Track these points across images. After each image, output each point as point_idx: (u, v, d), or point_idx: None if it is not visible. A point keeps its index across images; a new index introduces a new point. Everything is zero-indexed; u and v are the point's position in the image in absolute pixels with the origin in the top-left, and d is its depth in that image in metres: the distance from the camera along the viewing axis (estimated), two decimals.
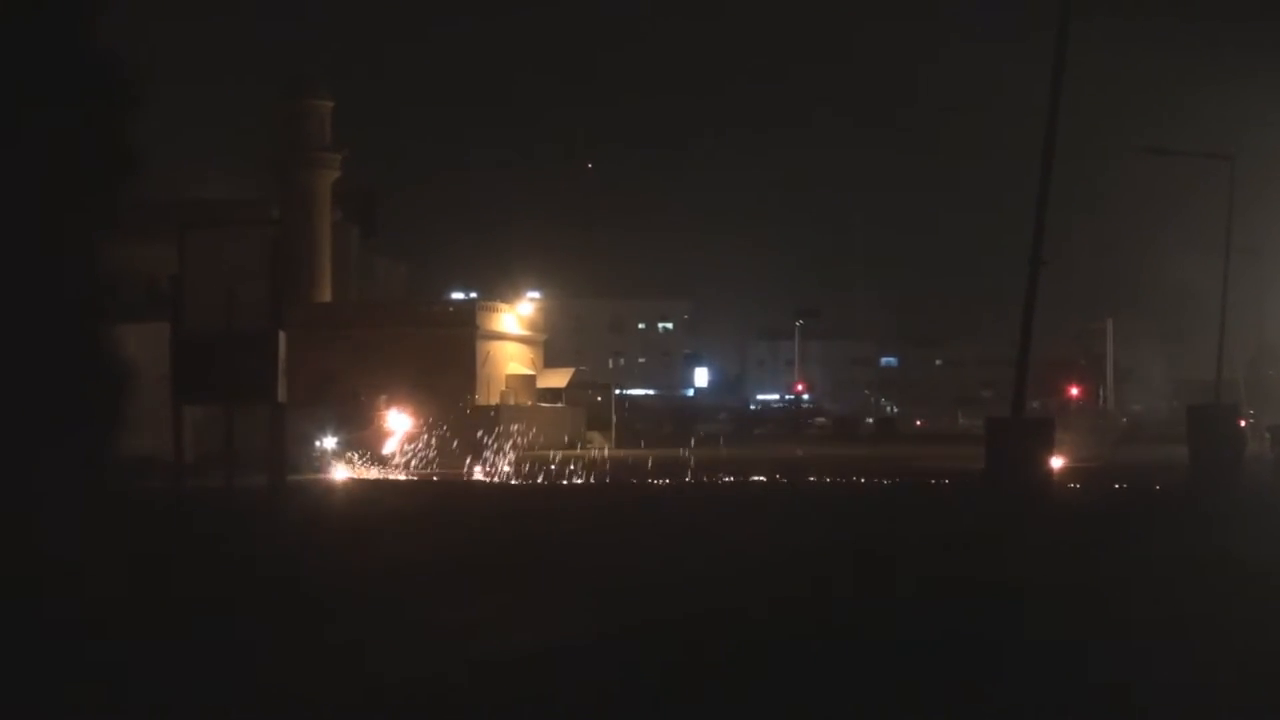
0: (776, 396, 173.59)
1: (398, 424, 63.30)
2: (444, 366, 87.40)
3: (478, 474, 56.37)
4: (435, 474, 57.19)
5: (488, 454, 59.17)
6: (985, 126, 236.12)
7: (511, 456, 59.08)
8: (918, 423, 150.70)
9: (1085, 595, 20.10)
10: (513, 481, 51.40)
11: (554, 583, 21.39)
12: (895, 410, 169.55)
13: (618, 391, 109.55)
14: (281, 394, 47.40)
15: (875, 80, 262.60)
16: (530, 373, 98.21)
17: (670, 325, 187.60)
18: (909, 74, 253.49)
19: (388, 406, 63.60)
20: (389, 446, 61.60)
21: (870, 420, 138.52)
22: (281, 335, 47.55)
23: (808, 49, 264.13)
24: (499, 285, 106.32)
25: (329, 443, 58.37)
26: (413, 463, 60.28)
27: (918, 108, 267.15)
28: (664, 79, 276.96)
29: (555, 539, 29.27)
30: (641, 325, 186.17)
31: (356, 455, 58.36)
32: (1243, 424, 65.64)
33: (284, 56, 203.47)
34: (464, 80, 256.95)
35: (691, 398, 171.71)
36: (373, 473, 56.48)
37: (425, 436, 64.72)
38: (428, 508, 40.24)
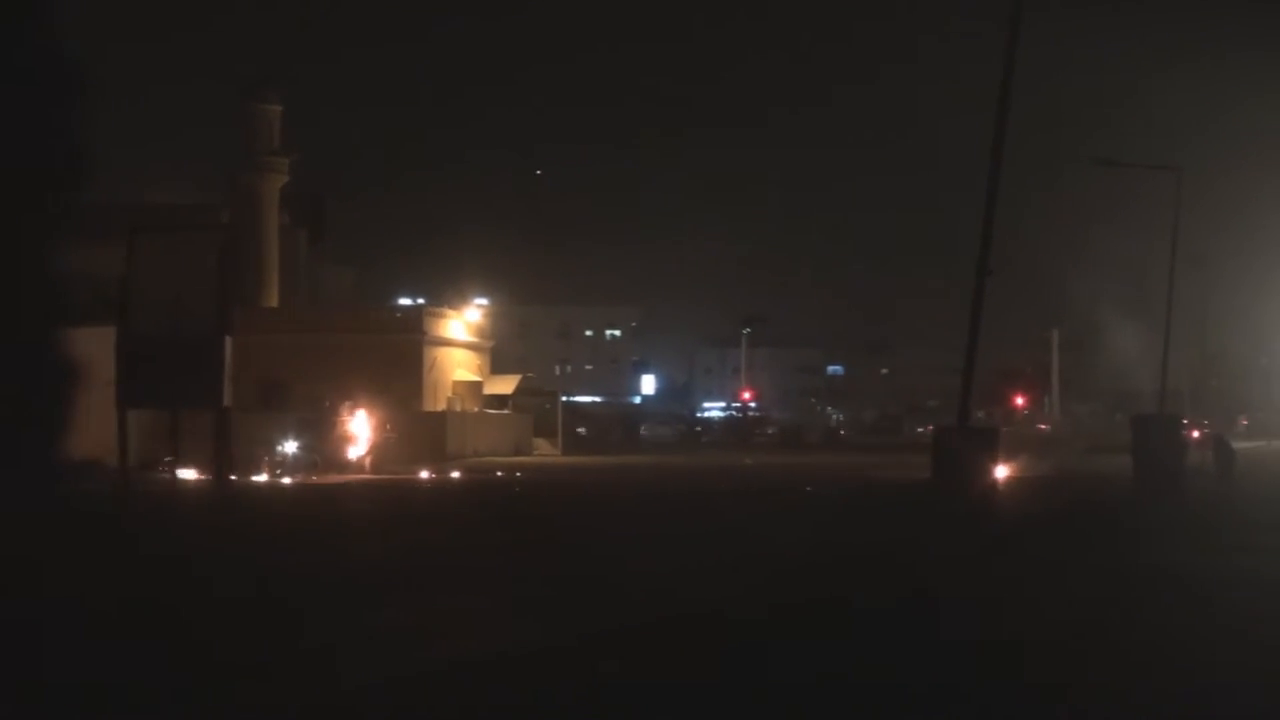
0: (723, 404, 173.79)
1: (361, 430, 63.68)
2: (391, 372, 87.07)
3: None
4: (382, 477, 57.99)
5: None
6: (937, 134, 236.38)
7: None
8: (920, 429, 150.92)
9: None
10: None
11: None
12: (841, 418, 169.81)
13: (565, 398, 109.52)
14: (227, 398, 47.52)
15: (828, 88, 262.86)
16: (477, 379, 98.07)
17: (618, 332, 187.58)
18: (864, 81, 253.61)
19: (352, 412, 64.15)
20: (355, 451, 62.25)
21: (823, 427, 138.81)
22: (228, 340, 47.70)
23: (760, 52, 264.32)
24: (446, 291, 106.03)
25: (290, 447, 59.33)
26: (374, 466, 61.46)
27: (871, 116, 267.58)
28: (613, 85, 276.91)
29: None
30: (589, 332, 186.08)
31: (319, 460, 59.35)
32: (1196, 434, 66.02)
33: (233, 61, 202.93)
34: (412, 86, 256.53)
35: (639, 405, 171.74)
36: (330, 478, 57.04)
37: (389, 441, 66.16)
38: (358, 512, 40.27)
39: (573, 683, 14.70)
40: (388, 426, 68.21)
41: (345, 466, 60.55)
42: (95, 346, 44.92)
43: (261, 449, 58.34)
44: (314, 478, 56.94)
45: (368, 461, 62.17)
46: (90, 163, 16.01)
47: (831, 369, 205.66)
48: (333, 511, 41.00)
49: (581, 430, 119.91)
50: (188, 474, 51.23)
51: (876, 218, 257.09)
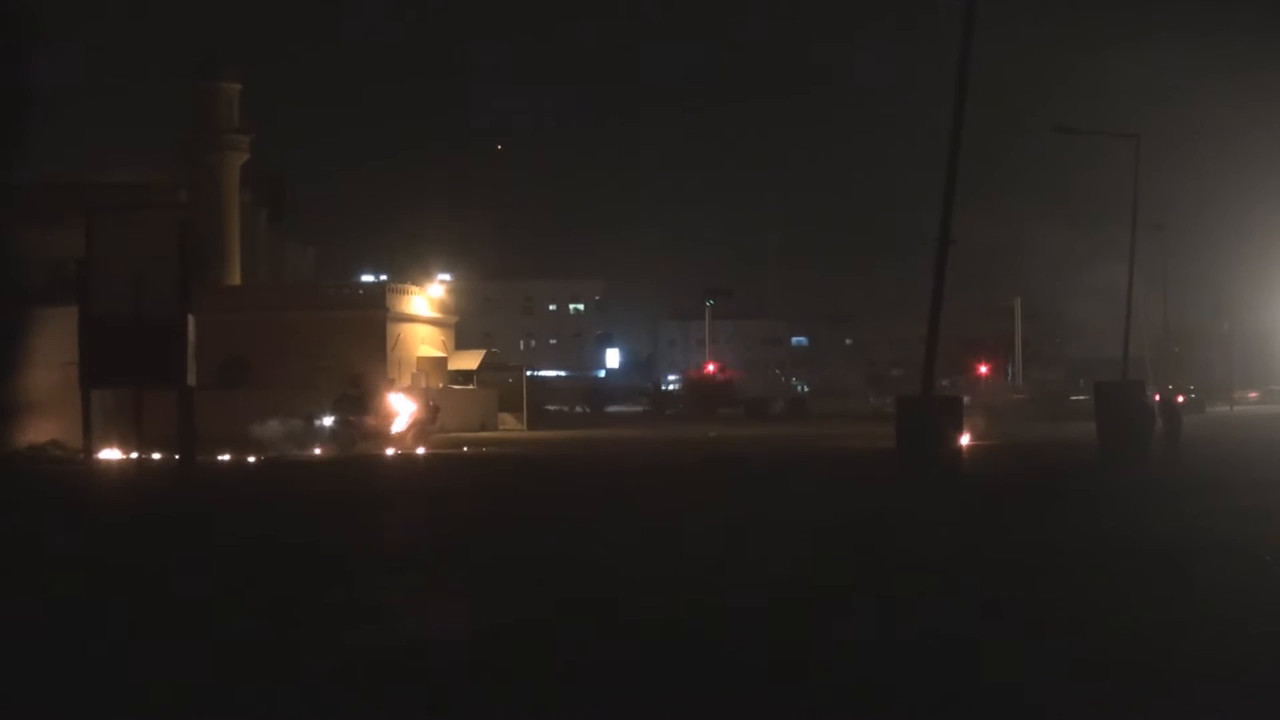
0: None
1: (403, 406, 65.16)
2: (354, 349, 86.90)
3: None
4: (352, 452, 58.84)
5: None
6: (899, 104, 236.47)
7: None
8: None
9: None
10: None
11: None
12: (805, 390, 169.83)
13: (529, 373, 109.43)
14: (191, 378, 47.37)
15: (788, 58, 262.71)
16: (441, 355, 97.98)
17: (582, 306, 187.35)
18: (824, 51, 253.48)
19: (391, 389, 66.27)
20: (397, 426, 63.63)
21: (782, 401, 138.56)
22: (190, 319, 47.52)
23: (724, 24, 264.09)
24: (409, 267, 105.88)
25: (327, 421, 62.11)
26: (416, 440, 62.97)
27: (831, 86, 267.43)
28: (576, 60, 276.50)
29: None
30: (553, 306, 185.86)
31: (356, 434, 61.64)
32: (1181, 400, 66.17)
33: (193, 37, 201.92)
34: (374, 62, 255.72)
35: (603, 378, 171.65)
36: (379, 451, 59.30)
37: (435, 415, 68.39)
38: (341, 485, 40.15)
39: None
40: (431, 402, 69.89)
41: (387, 441, 61.65)
42: (57, 328, 44.83)
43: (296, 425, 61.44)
44: (354, 451, 59.07)
45: (409, 436, 63.12)
46: (42, 102, 15.73)
47: (796, 340, 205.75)
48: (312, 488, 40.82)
49: (556, 407, 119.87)
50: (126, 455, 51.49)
51: (838, 189, 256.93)
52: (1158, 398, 58.84)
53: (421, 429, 65.18)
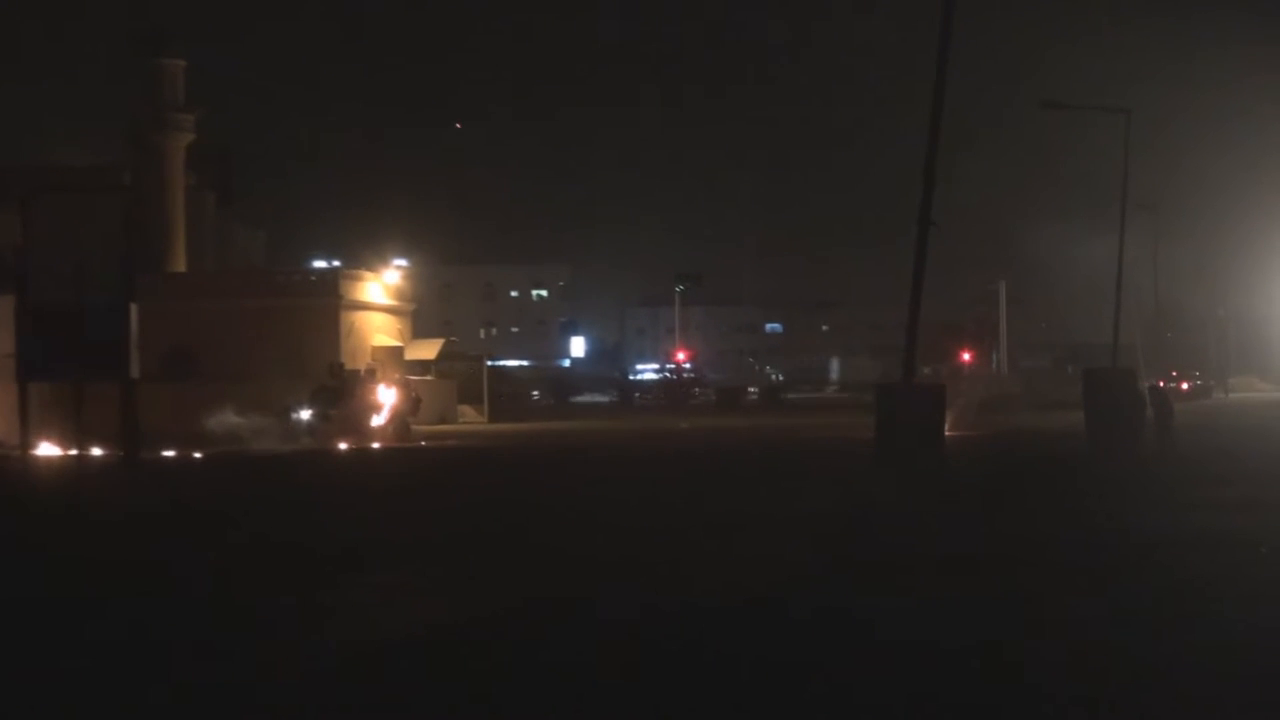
0: (656, 366, 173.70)
1: (384, 398, 64.91)
2: (306, 339, 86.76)
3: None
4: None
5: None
6: (878, 83, 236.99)
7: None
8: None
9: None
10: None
11: None
12: (781, 378, 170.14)
13: (491, 363, 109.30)
14: (134, 369, 47.21)
15: (763, 37, 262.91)
16: (398, 344, 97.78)
17: (545, 292, 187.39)
18: (798, 29, 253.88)
19: (374, 380, 65.86)
20: (377, 419, 63.64)
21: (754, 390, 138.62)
22: (133, 308, 47.37)
23: (692, 7, 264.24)
24: (364, 253, 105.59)
25: (304, 415, 62.27)
26: (398, 434, 63.37)
27: (807, 64, 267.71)
28: (539, 41, 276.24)
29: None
30: (514, 293, 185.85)
31: (333, 428, 61.54)
32: (1185, 387, 66.33)
33: (138, 11, 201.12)
34: (326, 40, 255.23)
35: (568, 368, 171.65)
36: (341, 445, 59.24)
37: (416, 407, 69.00)
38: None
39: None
40: (413, 393, 69.84)
41: (368, 435, 61.73)
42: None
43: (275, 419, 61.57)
44: (337, 445, 58.90)
45: (390, 429, 63.04)
46: None
47: (770, 327, 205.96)
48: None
49: (536, 394, 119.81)
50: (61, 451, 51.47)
51: (816, 167, 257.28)
52: (1162, 384, 59.08)
53: (403, 422, 65.01)
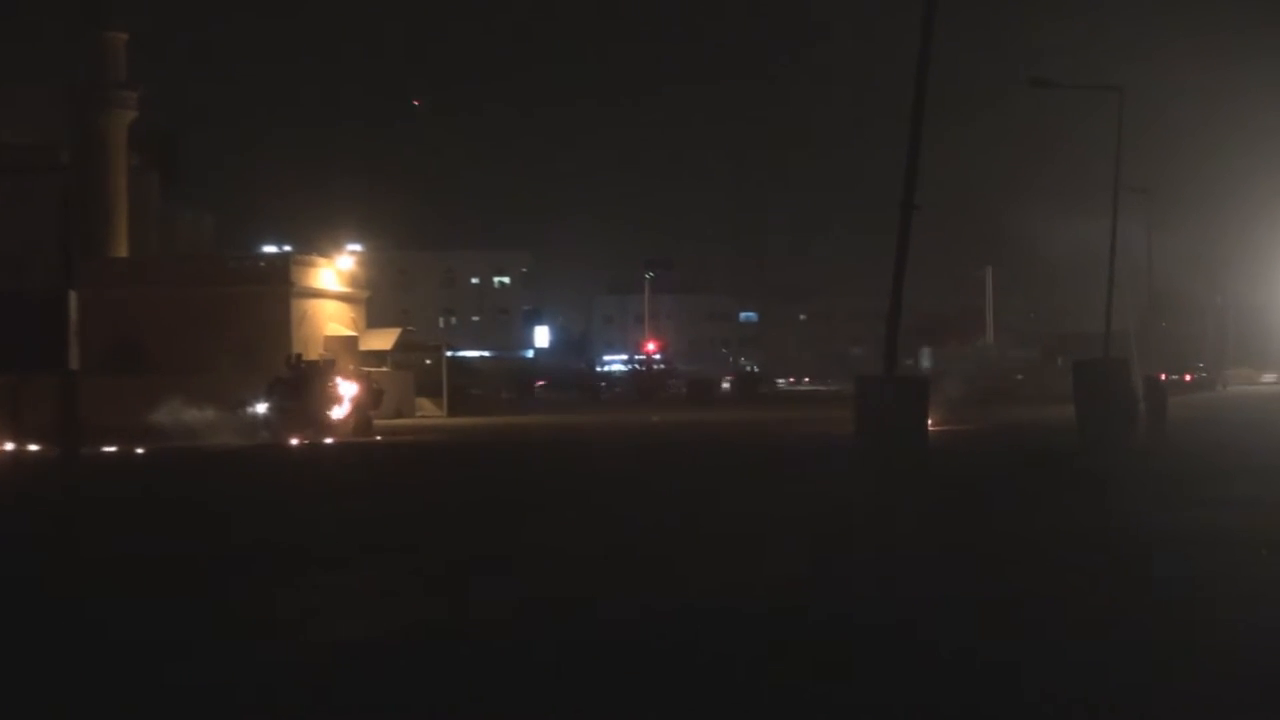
0: (625, 357, 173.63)
1: (344, 390, 65.02)
2: (256, 328, 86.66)
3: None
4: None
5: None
6: (863, 54, 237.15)
7: None
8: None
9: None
10: None
11: None
12: (756, 369, 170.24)
13: (450, 353, 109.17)
14: (73, 361, 47.03)
15: (738, 19, 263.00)
16: (352, 334, 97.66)
17: (507, 279, 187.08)
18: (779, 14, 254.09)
19: (334, 371, 65.71)
20: (337, 413, 63.71)
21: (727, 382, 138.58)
22: (73, 296, 47.20)
23: None
24: (316, 237, 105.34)
25: (259, 408, 62.37)
26: (359, 428, 63.81)
27: (787, 45, 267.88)
28: (504, 18, 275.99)
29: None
30: (475, 280, 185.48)
31: (291, 421, 61.44)
32: (1189, 378, 66.19)
33: None
34: (277, 13, 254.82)
35: (532, 359, 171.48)
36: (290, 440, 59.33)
37: (377, 398, 68.46)
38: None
39: None
40: (375, 384, 69.59)
41: (327, 429, 61.78)
42: None
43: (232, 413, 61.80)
44: (295, 440, 59.01)
45: (351, 423, 62.94)
46: None
47: (744, 316, 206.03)
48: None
49: (480, 391, 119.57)
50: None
51: (794, 147, 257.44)
52: (1163, 377, 59.18)
53: (364, 415, 64.95)
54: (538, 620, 17.25)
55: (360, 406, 64.76)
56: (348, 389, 64.88)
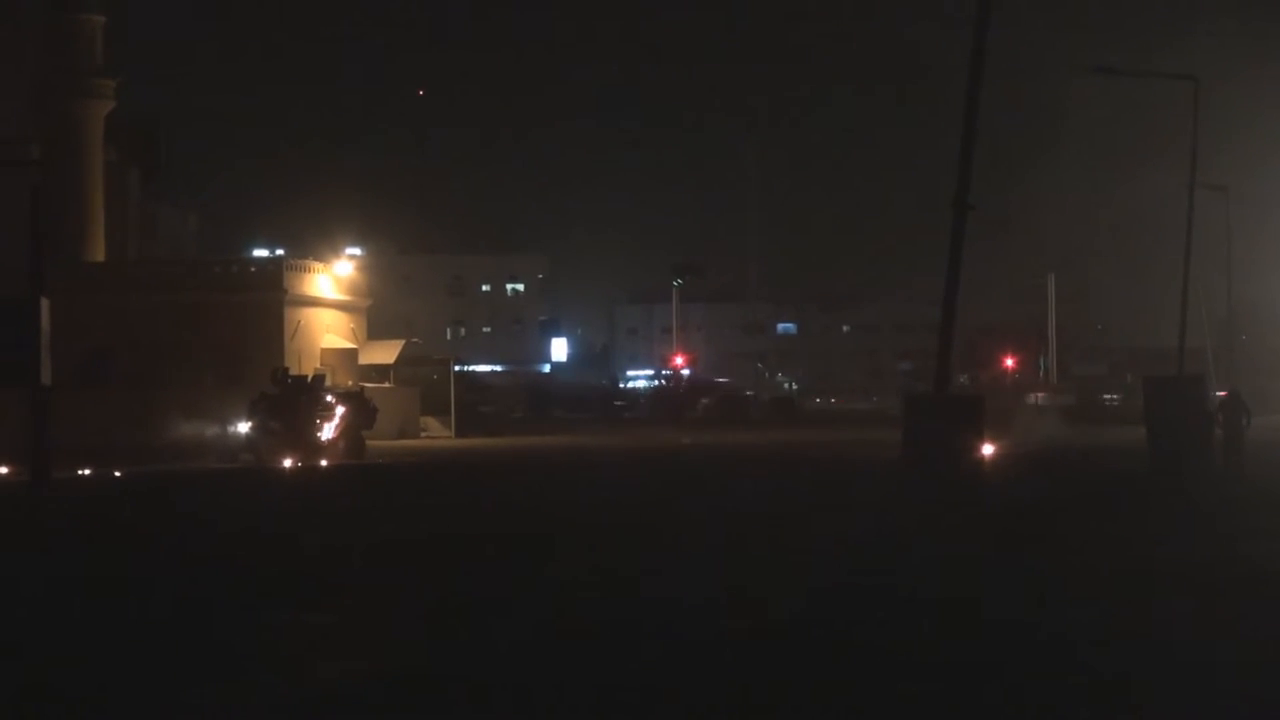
0: (650, 372, 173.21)
1: (334, 408, 65.34)
2: (245, 339, 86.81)
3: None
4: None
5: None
6: (917, 45, 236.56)
7: None
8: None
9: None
10: None
11: None
12: (795, 387, 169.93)
13: (459, 367, 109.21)
14: (45, 374, 47.13)
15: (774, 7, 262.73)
16: (351, 346, 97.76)
17: (521, 286, 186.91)
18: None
19: (323, 388, 65.81)
20: (326, 433, 63.88)
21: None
22: (45, 303, 47.34)
23: None
24: (312, 240, 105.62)
25: (243, 428, 62.68)
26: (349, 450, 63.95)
27: (827, 27, 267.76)
28: (523, 10, 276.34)
29: None
30: (486, 287, 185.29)
31: (278, 442, 61.56)
32: None
33: None
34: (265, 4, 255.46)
35: (549, 374, 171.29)
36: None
37: (370, 417, 68.32)
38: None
39: None
40: (369, 403, 69.44)
41: (316, 451, 62.06)
42: None
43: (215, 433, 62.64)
44: (280, 462, 59.35)
45: (341, 444, 63.06)
46: None
47: (782, 327, 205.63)
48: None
49: (490, 408, 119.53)
50: None
51: (840, 145, 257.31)
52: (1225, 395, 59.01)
53: (356, 436, 64.82)
54: None
55: (351, 426, 64.57)
56: (337, 407, 64.95)
